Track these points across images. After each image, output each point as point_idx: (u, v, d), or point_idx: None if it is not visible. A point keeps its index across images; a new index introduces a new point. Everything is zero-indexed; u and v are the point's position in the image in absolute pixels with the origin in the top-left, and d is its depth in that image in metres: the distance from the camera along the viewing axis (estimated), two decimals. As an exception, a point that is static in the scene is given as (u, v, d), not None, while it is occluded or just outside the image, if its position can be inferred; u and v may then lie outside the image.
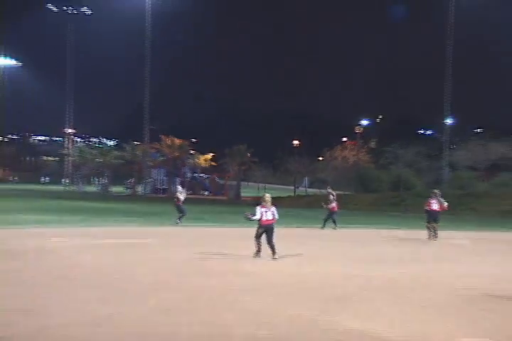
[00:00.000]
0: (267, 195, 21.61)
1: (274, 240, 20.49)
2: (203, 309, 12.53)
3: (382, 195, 73.64)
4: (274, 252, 20.33)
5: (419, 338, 10.34)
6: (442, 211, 30.06)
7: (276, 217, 20.78)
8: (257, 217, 20.59)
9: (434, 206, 29.85)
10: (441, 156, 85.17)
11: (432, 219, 29.77)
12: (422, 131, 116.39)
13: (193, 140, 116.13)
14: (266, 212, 20.54)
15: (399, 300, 13.93)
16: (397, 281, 16.91)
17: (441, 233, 32.51)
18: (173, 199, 37.81)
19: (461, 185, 65.04)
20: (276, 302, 13.33)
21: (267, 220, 20.45)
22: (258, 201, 21.91)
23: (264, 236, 20.53)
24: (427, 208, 30.50)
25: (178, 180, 76.08)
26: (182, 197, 36.76)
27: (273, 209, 20.75)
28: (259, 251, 20.55)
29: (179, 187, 39.18)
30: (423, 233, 32.43)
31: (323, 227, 36.79)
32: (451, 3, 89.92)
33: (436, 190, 31.69)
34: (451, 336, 10.28)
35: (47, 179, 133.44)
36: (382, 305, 13.24)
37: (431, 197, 30.59)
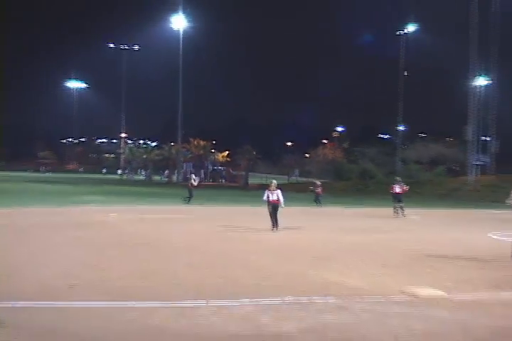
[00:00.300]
0: (274, 181, 21.57)
1: (278, 216, 20.50)
2: (220, 266, 12.56)
3: (352, 183, 73.68)
4: (277, 225, 20.29)
5: (380, 287, 10.36)
6: (404, 193, 29.90)
7: (281, 198, 20.71)
8: (265, 197, 20.66)
9: (397, 189, 29.71)
10: (395, 154, 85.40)
11: (397, 200, 29.64)
12: (381, 136, 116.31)
13: (213, 142, 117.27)
14: (272, 194, 20.58)
15: (365, 260, 13.93)
16: (364, 246, 16.91)
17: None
18: (187, 184, 37.59)
19: (410, 175, 64.97)
20: (274, 261, 13.35)
21: (273, 200, 20.49)
22: (263, 186, 21.93)
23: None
24: (391, 191, 30.44)
25: (193, 170, 75.99)
26: (195, 183, 36.73)
27: (278, 191, 20.74)
28: (274, 226, 20.43)
29: (193, 175, 39.05)
30: (384, 210, 32.44)
31: (319, 205, 37.26)
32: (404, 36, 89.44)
33: (397, 178, 31.70)
34: (402, 284, 10.31)
35: (106, 170, 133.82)
36: (353, 263, 13.25)
37: (394, 183, 30.51)
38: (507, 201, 14.37)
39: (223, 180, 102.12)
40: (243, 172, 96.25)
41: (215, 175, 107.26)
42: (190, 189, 36.25)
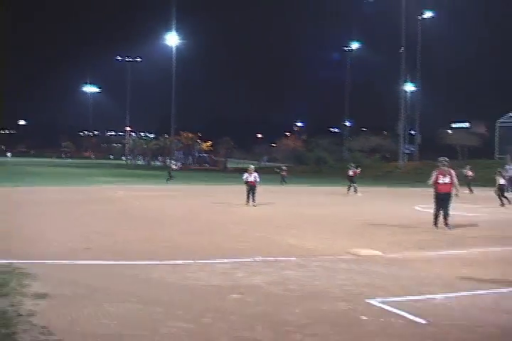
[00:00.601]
0: (251, 166, 21.51)
1: (256, 194, 20.41)
2: (206, 233, 12.60)
3: (309, 167, 73.63)
4: (254, 201, 20.17)
5: (330, 248, 10.45)
6: (355, 175, 29.58)
7: (258, 179, 20.54)
8: (244, 179, 20.51)
9: (350, 173, 29.50)
10: (343, 144, 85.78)
11: (350, 181, 29.39)
12: (333, 129, 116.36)
13: (199, 134, 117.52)
14: (250, 175, 20.46)
15: (319, 228, 14.02)
16: (319, 216, 17.01)
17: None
18: (169, 168, 37.51)
19: (355, 161, 65.33)
20: (248, 229, 13.41)
21: (251, 181, 20.39)
22: (239, 170, 21.86)
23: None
24: (346, 174, 30.24)
25: (173, 157, 75.95)
26: (175, 167, 36.87)
27: (255, 174, 20.58)
28: (248, 201, 20.34)
29: (172, 161, 39.36)
30: (336, 188, 32.59)
31: (284, 184, 37.60)
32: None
33: (352, 164, 31.24)
34: (349, 247, 10.40)
35: (113, 157, 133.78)
36: (310, 231, 13.34)
37: (348, 168, 30.29)
38: (428, 181, 14.54)
39: (207, 165, 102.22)
40: (223, 159, 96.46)
41: (200, 160, 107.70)
42: (170, 172, 36.30)
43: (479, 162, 48.43)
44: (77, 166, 70.34)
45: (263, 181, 20.68)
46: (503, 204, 21.77)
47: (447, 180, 13.84)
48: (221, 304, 6.31)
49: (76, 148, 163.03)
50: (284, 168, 40.70)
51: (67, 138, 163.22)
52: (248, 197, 20.15)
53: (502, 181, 22.69)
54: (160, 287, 7.13)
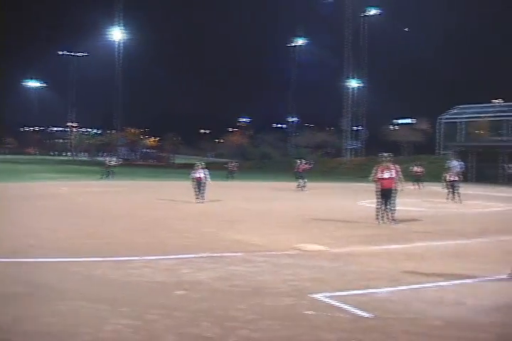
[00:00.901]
0: (198, 163, 21.09)
1: (206, 191, 20.17)
2: (150, 229, 12.42)
3: (255, 162, 73.92)
4: (202, 197, 19.93)
5: (275, 244, 10.45)
6: (304, 171, 29.52)
7: (208, 176, 20.21)
8: (193, 174, 20.18)
9: (300, 169, 29.50)
10: (288, 140, 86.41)
11: (299, 177, 29.36)
12: (279, 125, 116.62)
13: (146, 129, 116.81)
14: (198, 172, 20.17)
15: (265, 223, 14.04)
16: (265, 211, 17.02)
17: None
18: (105, 164, 36.95)
19: (301, 157, 65.83)
20: (194, 225, 13.29)
21: (199, 177, 20.09)
22: (186, 166, 21.66)
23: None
24: (295, 170, 30.28)
25: (110, 153, 75.18)
26: (112, 163, 36.42)
27: (204, 170, 20.30)
28: (197, 197, 20.09)
29: (107, 158, 38.96)
30: (282, 183, 32.72)
31: (231, 179, 37.84)
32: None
33: (302, 160, 30.74)
34: (295, 242, 10.43)
35: (56, 153, 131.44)
36: (256, 226, 13.33)
37: (298, 164, 30.22)
38: (369, 178, 14.72)
39: (153, 161, 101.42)
40: (169, 154, 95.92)
41: (146, 156, 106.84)
42: (107, 168, 35.81)
43: (423, 157, 49.45)
44: (20, 162, 68.53)
45: (211, 177, 20.52)
46: (460, 201, 21.52)
47: (390, 175, 14.01)
48: (166, 300, 6.20)
49: (19, 144, 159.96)
50: (233, 163, 41.13)
51: (9, 134, 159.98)
52: (196, 193, 19.95)
53: (452, 177, 22.57)
54: (103, 284, 6.98)
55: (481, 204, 21.48)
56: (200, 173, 20.17)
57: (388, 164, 14.17)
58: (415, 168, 33.09)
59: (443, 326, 5.41)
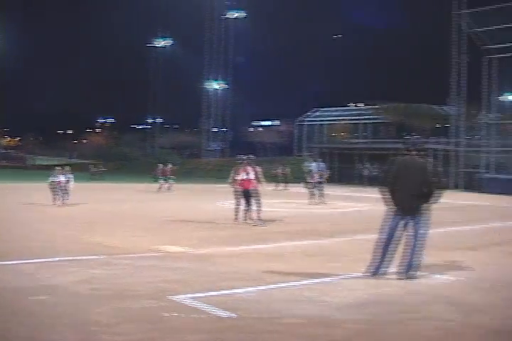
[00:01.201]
0: (58, 167, 20.34)
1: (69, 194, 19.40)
2: (8, 232, 11.88)
3: (115, 164, 71.79)
4: (63, 200, 19.06)
5: (136, 246, 10.39)
6: (165, 174, 29.32)
7: (71, 179, 19.62)
8: (51, 178, 19.27)
9: (160, 173, 29.20)
10: (149, 140, 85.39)
11: (161, 179, 28.91)
12: (140, 126, 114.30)
13: (6, 129, 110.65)
14: (58, 176, 19.30)
15: (128, 225, 13.89)
16: (126, 214, 16.85)
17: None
18: None
19: (165, 159, 65.22)
20: (54, 228, 13.04)
21: (59, 181, 19.15)
22: (46, 167, 20.91)
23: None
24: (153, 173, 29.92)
25: None
26: None
27: (66, 175, 19.51)
28: (55, 199, 19.11)
29: None
30: (143, 185, 32.35)
31: (95, 180, 36.98)
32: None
33: (169, 164, 30.73)
34: (155, 243, 10.45)
35: None
36: (118, 228, 13.19)
37: (158, 167, 29.93)
38: (228, 180, 15.07)
39: (12, 161, 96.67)
40: (28, 155, 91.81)
41: (5, 157, 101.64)
42: None
43: (285, 159, 50.83)
44: None
45: (75, 178, 19.91)
46: (322, 202, 21.88)
47: (248, 176, 14.35)
48: (21, 306, 5.98)
49: None
50: (95, 164, 40.88)
51: None
52: (54, 196, 19.13)
53: (314, 179, 22.25)
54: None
55: (340, 205, 22.45)
56: (61, 178, 19.43)
57: (247, 166, 14.54)
58: (279, 170, 34.19)
59: (304, 323, 5.60)
